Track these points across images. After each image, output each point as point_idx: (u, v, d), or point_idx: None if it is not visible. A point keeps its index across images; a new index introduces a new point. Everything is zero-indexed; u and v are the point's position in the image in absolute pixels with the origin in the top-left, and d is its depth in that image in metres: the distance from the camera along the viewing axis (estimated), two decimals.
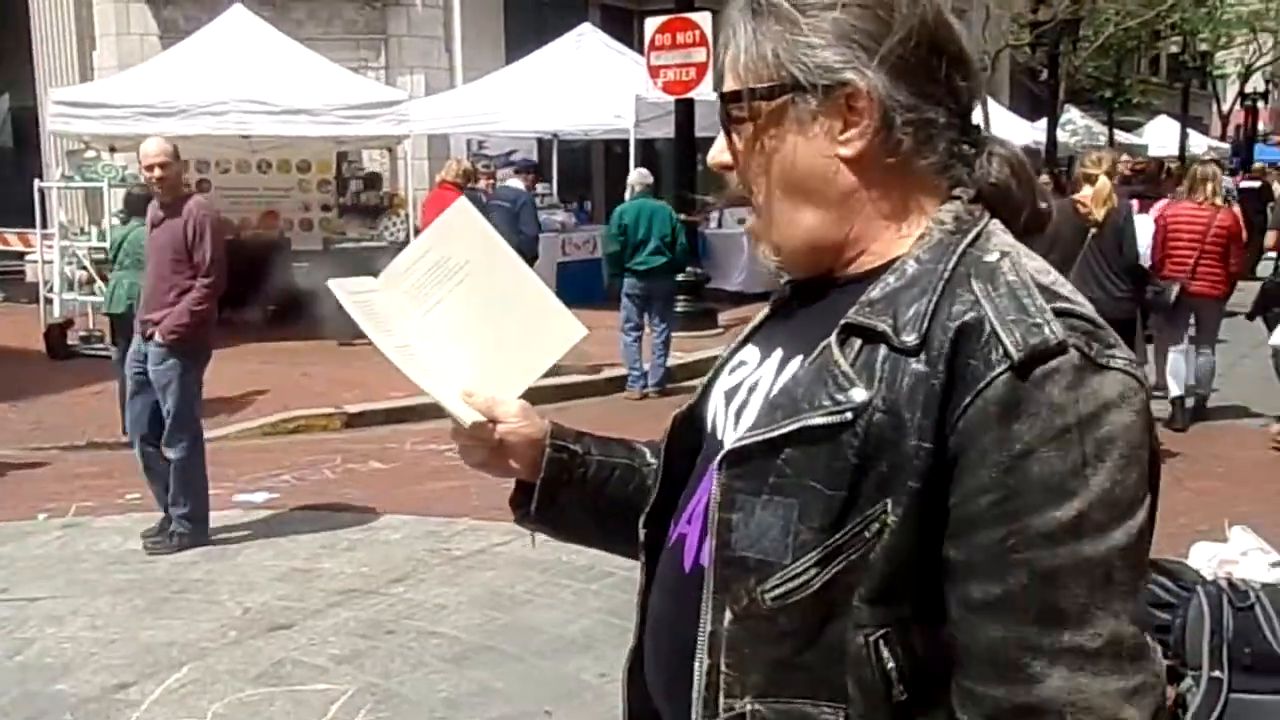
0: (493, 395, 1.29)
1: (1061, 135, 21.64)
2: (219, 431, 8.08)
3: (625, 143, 11.96)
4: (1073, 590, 0.92)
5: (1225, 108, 33.13)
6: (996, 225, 1.05)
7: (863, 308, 1.01)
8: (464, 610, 4.67)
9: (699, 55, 11.29)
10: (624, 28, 16.71)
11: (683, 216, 11.41)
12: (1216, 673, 3.54)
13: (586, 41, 13.77)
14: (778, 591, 0.99)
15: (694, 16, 11.47)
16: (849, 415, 0.97)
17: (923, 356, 0.96)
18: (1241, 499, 6.15)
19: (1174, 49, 28.59)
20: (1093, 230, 6.68)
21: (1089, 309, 0.98)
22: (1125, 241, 6.84)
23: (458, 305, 1.32)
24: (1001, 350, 0.93)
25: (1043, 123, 21.03)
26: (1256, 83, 32.13)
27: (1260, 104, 33.04)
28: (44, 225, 11.64)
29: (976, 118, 1.10)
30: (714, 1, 16.83)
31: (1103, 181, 6.70)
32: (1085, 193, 6.78)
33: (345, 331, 10.93)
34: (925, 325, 0.97)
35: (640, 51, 12.48)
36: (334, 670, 4.14)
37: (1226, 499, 6.14)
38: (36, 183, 11.74)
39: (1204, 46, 28.59)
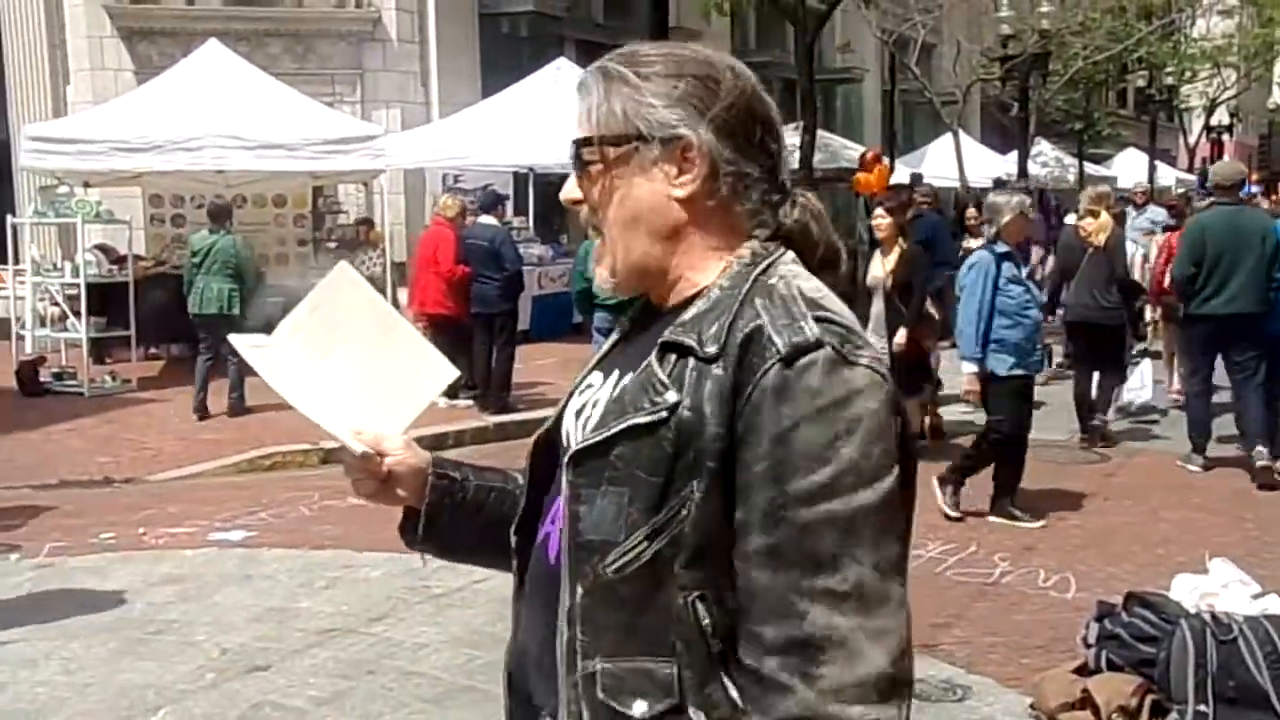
0: (379, 432, 1.47)
1: (1033, 167, 21.87)
2: (195, 468, 8.01)
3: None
4: (826, 540, 1.12)
5: (1191, 140, 33.61)
6: (787, 258, 1.28)
7: (676, 328, 1.23)
8: (445, 649, 4.63)
9: None
10: None
11: None
12: (1202, 706, 3.56)
13: (563, 76, 13.83)
14: (616, 565, 1.19)
15: None
16: (664, 414, 1.18)
17: (720, 363, 1.18)
18: (1218, 530, 6.19)
19: (1141, 83, 28.98)
20: (1090, 251, 8.33)
21: (846, 318, 1.21)
22: (1116, 262, 8.30)
23: (344, 355, 1.50)
24: (774, 348, 1.16)
25: (1013, 155, 21.26)
26: (1221, 116, 32.65)
27: (1225, 137, 33.57)
28: (16, 261, 11.56)
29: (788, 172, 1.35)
30: (689, 37, 16.97)
31: (1104, 217, 8.34)
32: (1087, 222, 8.42)
33: None
34: (723, 338, 1.19)
35: None
36: (314, 712, 4.08)
37: (1204, 530, 6.19)
38: (9, 219, 11.67)
39: (1170, 80, 29.02)
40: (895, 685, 1.13)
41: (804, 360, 1.15)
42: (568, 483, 1.25)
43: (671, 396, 1.19)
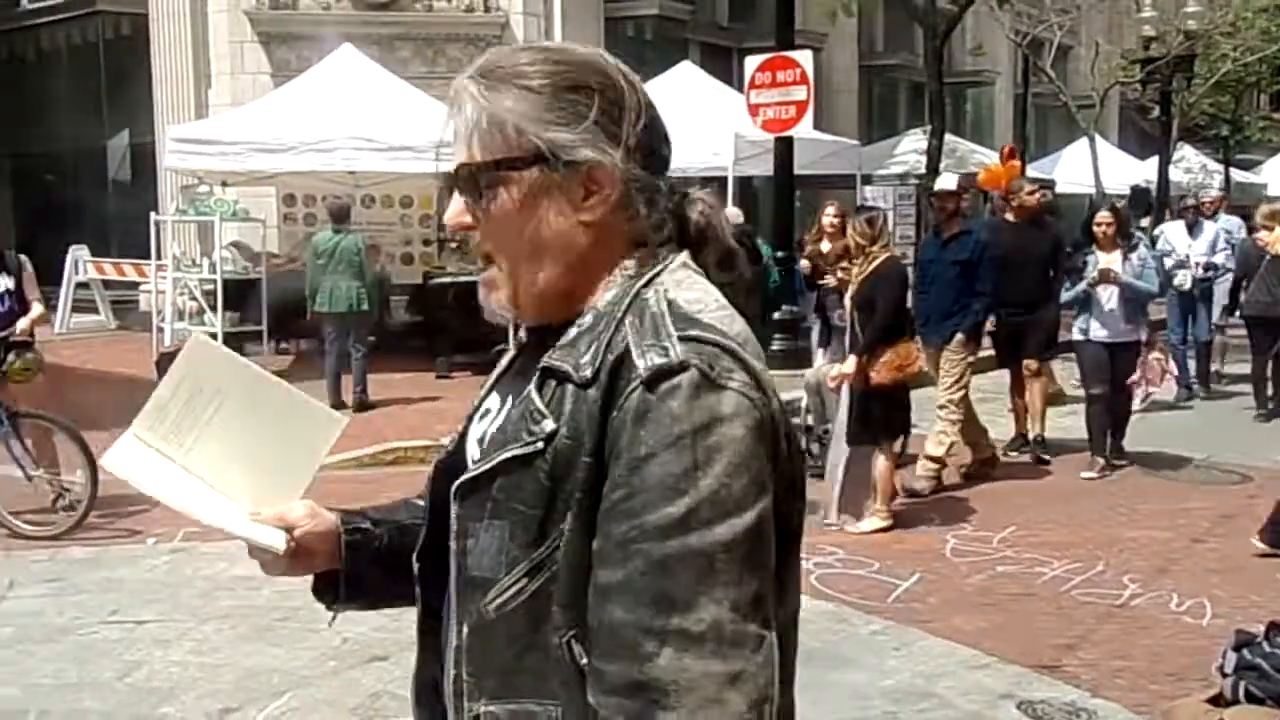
0: (278, 507, 1.37)
1: (1175, 174, 21.00)
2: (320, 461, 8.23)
3: (723, 180, 11.96)
4: (681, 578, 1.04)
5: None
6: (674, 264, 1.20)
7: (554, 352, 1.17)
8: None
9: (799, 93, 11.26)
10: (724, 65, 16.79)
11: (779, 254, 11.38)
12: None
13: (686, 79, 13.84)
14: (496, 602, 1.14)
15: (795, 55, 11.45)
16: (540, 444, 1.12)
17: (595, 387, 1.10)
18: None
19: None
20: (1268, 258, 9.52)
21: (722, 336, 1.11)
22: None
23: (218, 432, 1.36)
24: (636, 371, 1.08)
25: (1153, 161, 20.47)
26: None
27: None
28: (158, 257, 12.07)
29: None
30: (816, 39, 16.84)
31: (1278, 230, 9.52)
32: (1263, 234, 9.70)
33: (443, 365, 11.13)
34: (598, 361, 1.11)
35: (740, 89, 12.50)
36: None
37: None
38: (153, 216, 12.19)
39: None
40: None
41: (666, 384, 1.07)
42: (455, 516, 1.19)
43: (549, 425, 1.12)
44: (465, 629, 1.18)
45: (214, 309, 11.27)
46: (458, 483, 1.19)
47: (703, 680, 1.03)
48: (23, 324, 6.70)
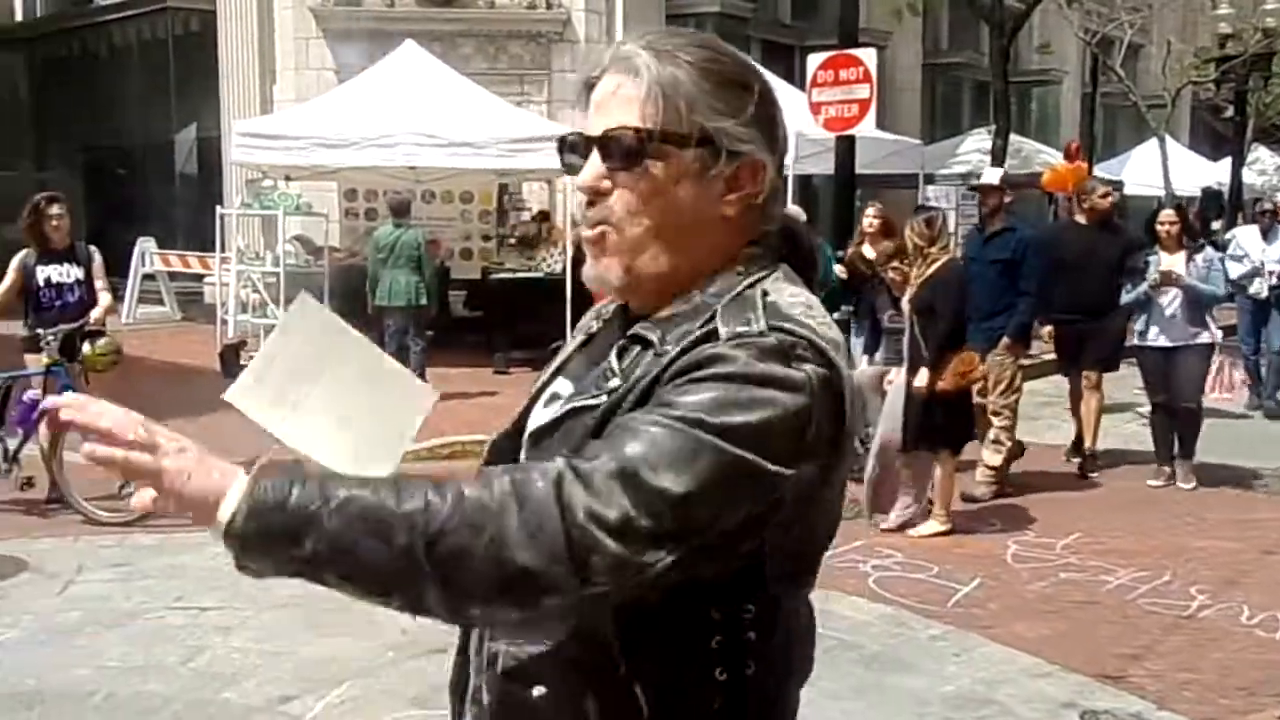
0: (375, 473, 1.36)
1: (1249, 175, 20.52)
2: None
3: (784, 179, 11.87)
4: (667, 446, 1.05)
5: None
6: (781, 274, 1.22)
7: (647, 324, 1.19)
8: None
9: (862, 92, 11.14)
10: (785, 63, 16.70)
11: (840, 254, 11.29)
12: None
13: None
14: None
15: (858, 53, 11.34)
16: (604, 399, 1.15)
17: (667, 354, 1.14)
18: None
19: None
20: None
21: (812, 333, 1.12)
22: None
23: (323, 394, 1.34)
24: (716, 336, 1.12)
25: (1226, 162, 20.00)
26: None
27: None
28: (223, 249, 12.26)
29: None
30: (879, 38, 16.67)
31: None
32: None
33: (501, 360, 11.18)
34: (683, 338, 1.14)
35: (801, 87, 12.41)
36: None
37: None
38: (218, 209, 12.38)
39: None
40: (567, 567, 1.04)
41: (744, 340, 1.11)
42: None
43: (615, 383, 1.16)
44: None
45: (276, 301, 11.42)
46: (530, 429, 1.25)
47: (612, 526, 1.03)
48: (96, 314, 6.84)
